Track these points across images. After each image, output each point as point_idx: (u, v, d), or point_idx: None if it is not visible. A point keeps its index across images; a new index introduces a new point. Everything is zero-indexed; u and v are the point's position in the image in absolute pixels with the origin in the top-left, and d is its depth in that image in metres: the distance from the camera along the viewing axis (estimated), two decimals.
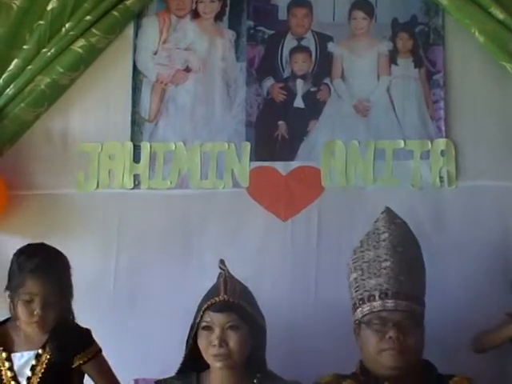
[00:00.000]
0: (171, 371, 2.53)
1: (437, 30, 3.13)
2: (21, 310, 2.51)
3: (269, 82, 3.19)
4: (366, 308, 2.39)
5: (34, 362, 2.53)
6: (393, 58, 3.15)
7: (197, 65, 3.23)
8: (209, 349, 2.42)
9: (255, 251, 3.05)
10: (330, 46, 3.19)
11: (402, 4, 3.17)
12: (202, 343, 2.45)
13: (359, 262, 2.48)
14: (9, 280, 2.55)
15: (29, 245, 2.63)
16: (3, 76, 3.17)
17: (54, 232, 3.12)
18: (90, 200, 3.18)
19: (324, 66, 3.18)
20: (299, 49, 3.21)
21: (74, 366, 2.54)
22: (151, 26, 3.27)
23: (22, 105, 3.16)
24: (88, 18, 3.15)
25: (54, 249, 2.61)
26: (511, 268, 2.78)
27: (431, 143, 3.06)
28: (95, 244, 3.13)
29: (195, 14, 3.27)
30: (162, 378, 2.53)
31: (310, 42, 3.20)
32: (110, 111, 3.23)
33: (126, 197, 3.17)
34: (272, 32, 3.22)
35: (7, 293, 2.55)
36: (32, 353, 2.55)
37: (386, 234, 2.46)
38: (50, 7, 3.16)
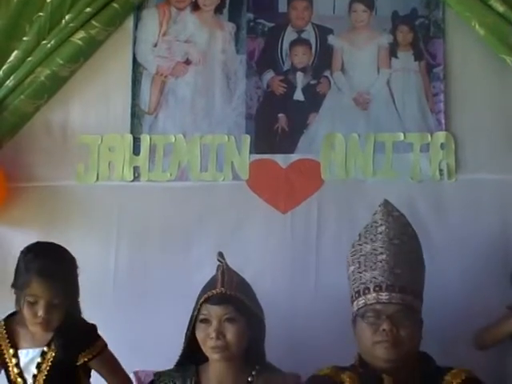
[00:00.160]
0: (170, 363, 2.53)
1: (437, 22, 3.13)
2: (25, 310, 2.51)
3: (269, 75, 3.19)
4: (361, 301, 2.39)
5: (39, 360, 2.54)
6: (393, 50, 3.15)
7: (197, 57, 3.23)
8: (207, 341, 2.43)
9: (255, 243, 3.05)
10: (330, 39, 3.19)
11: None
12: (199, 336, 2.45)
13: (357, 255, 2.48)
14: (15, 278, 2.55)
15: (37, 243, 2.62)
16: (3, 68, 3.17)
17: (53, 224, 3.14)
18: (89, 192, 3.19)
19: (324, 58, 3.18)
20: (299, 41, 3.20)
21: (79, 364, 2.55)
22: (151, 19, 3.27)
23: (22, 97, 3.16)
24: (88, 9, 3.15)
25: (62, 249, 2.61)
26: (511, 261, 2.78)
27: (431, 136, 3.06)
28: (95, 236, 3.14)
29: (195, 7, 3.27)
30: (161, 369, 2.54)
31: (310, 34, 3.20)
32: (110, 103, 3.24)
33: (125, 189, 3.17)
34: (272, 25, 3.21)
35: (13, 289, 2.55)
36: (38, 350, 2.56)
37: (383, 227, 2.46)
38: None
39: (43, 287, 2.47)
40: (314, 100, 3.15)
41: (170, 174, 3.15)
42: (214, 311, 2.43)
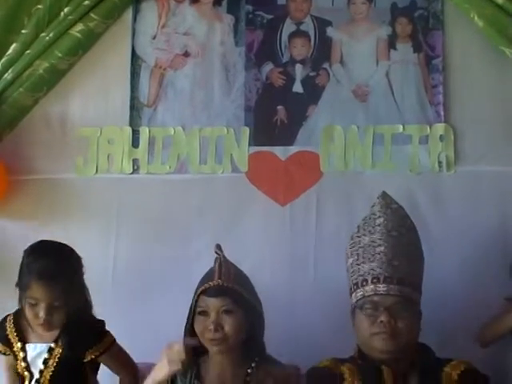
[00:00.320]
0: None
1: (436, 14, 3.12)
2: (27, 311, 2.53)
3: (268, 67, 3.18)
4: (359, 293, 2.40)
5: (46, 356, 2.56)
6: (392, 42, 3.15)
7: (196, 49, 3.23)
8: (205, 333, 2.43)
9: (254, 235, 3.06)
10: (329, 31, 3.18)
11: None
12: (198, 328, 2.45)
13: (356, 247, 2.48)
14: (18, 277, 2.56)
15: (40, 242, 2.63)
16: (1, 61, 3.16)
17: (53, 216, 3.15)
18: (89, 185, 3.19)
19: (323, 50, 3.17)
20: (298, 33, 3.20)
21: (86, 360, 2.57)
22: (150, 11, 3.27)
23: (21, 89, 3.16)
24: (86, 2, 3.14)
25: (66, 248, 2.61)
26: (510, 252, 2.78)
27: (430, 128, 3.06)
28: (94, 228, 3.14)
29: None
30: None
31: (309, 26, 3.20)
32: (109, 96, 3.24)
33: (124, 181, 3.18)
34: (271, 16, 3.21)
35: (17, 288, 2.56)
36: (45, 345, 2.58)
37: (382, 219, 2.47)
38: None
39: (43, 290, 2.48)
40: (313, 92, 3.15)
41: (169, 167, 3.16)
42: (211, 303, 2.43)
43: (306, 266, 3.03)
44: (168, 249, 3.10)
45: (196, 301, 2.47)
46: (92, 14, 3.16)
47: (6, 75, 3.15)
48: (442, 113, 3.06)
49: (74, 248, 2.63)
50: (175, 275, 3.01)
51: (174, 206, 3.14)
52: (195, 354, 2.51)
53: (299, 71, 3.17)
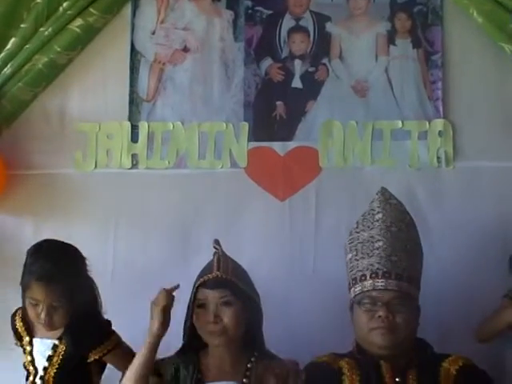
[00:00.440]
0: (170, 350, 2.54)
1: (435, 10, 3.12)
2: (29, 310, 2.56)
3: (267, 62, 3.18)
4: (357, 288, 2.41)
5: (50, 353, 2.58)
6: (391, 38, 3.15)
7: (195, 45, 3.23)
8: (204, 326, 2.45)
9: (253, 231, 3.06)
10: (328, 26, 3.18)
11: None
12: (197, 321, 2.47)
13: (354, 243, 2.49)
14: (21, 276, 2.58)
15: (44, 242, 2.63)
16: (1, 55, 3.16)
17: (52, 211, 3.16)
18: (88, 180, 3.19)
19: (322, 46, 3.17)
20: (297, 29, 3.20)
21: (89, 361, 2.57)
22: (149, 6, 3.26)
23: (20, 84, 3.16)
24: None
25: (68, 249, 2.62)
26: (508, 248, 2.78)
27: (429, 124, 3.06)
28: (93, 223, 3.14)
29: None
30: (160, 357, 2.54)
31: (308, 22, 3.20)
32: (108, 91, 3.23)
33: (123, 176, 3.18)
34: (270, 12, 3.21)
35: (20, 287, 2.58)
36: (50, 342, 2.59)
37: (380, 215, 2.48)
38: None
39: (42, 292, 2.50)
40: (312, 87, 3.15)
41: (169, 162, 3.16)
42: (210, 295, 2.45)
43: (305, 261, 3.03)
44: (167, 244, 3.10)
45: (195, 294, 2.48)
46: (91, 9, 3.16)
47: (5, 70, 3.14)
48: (441, 108, 3.06)
49: (72, 242, 2.64)
50: (174, 270, 3.00)
51: (173, 202, 3.14)
52: (195, 348, 2.52)
53: (298, 67, 3.17)
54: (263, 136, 3.14)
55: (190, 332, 2.52)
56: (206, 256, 2.63)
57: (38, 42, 3.14)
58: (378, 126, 3.08)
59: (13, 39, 3.16)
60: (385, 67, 3.13)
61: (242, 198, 3.11)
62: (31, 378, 2.59)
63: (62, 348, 2.57)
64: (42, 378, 2.57)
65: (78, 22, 3.15)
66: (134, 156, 3.18)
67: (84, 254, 2.64)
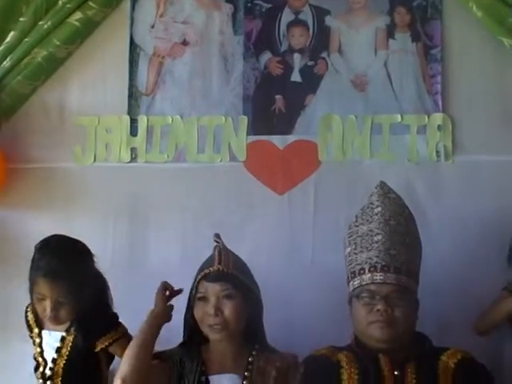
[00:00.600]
0: (169, 342, 2.55)
1: (434, 4, 3.12)
2: (36, 305, 2.59)
3: (266, 56, 3.18)
4: (356, 281, 2.41)
5: (59, 345, 2.61)
6: (390, 32, 3.14)
7: (194, 38, 3.22)
8: (205, 319, 2.45)
9: (252, 225, 3.06)
10: (328, 20, 3.17)
11: None
12: (197, 314, 2.47)
13: (353, 237, 2.50)
14: (29, 271, 2.59)
15: (51, 237, 2.64)
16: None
17: (51, 205, 3.16)
18: (87, 173, 3.19)
19: (321, 40, 3.17)
20: (296, 23, 3.19)
21: (97, 350, 2.59)
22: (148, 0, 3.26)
23: (19, 78, 3.16)
24: None
25: (75, 245, 2.63)
26: (507, 241, 2.78)
27: (428, 118, 3.06)
28: (93, 217, 3.14)
29: None
30: (160, 349, 2.55)
31: (307, 15, 3.19)
32: (107, 84, 3.23)
33: (123, 170, 3.18)
34: (269, 5, 3.20)
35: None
36: (58, 334, 2.62)
37: (379, 208, 2.48)
38: None
39: (48, 287, 2.52)
40: (312, 81, 3.15)
41: (168, 156, 3.16)
42: (211, 288, 2.45)
43: (304, 254, 3.03)
44: (166, 238, 3.11)
45: (196, 287, 2.49)
46: (90, 3, 3.16)
47: (4, 63, 3.15)
48: (440, 102, 3.06)
49: (72, 234, 2.66)
50: (172, 263, 3.01)
51: (172, 195, 3.14)
52: (196, 343, 2.52)
53: (297, 60, 3.17)
54: (262, 130, 3.14)
55: (191, 326, 2.53)
56: (205, 249, 2.64)
57: (37, 35, 3.14)
58: (377, 120, 3.08)
59: (12, 33, 3.16)
60: (384, 61, 3.13)
61: (241, 191, 3.11)
62: (41, 369, 2.63)
63: (69, 339, 2.60)
64: (51, 369, 2.60)
65: (77, 15, 3.15)
66: (133, 150, 3.18)
67: None
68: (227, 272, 2.47)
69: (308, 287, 2.96)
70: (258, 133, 3.14)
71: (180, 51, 3.22)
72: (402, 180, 2.96)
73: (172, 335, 2.57)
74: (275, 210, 3.08)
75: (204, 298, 2.46)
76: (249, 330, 2.51)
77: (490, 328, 2.71)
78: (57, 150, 3.21)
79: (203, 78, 3.19)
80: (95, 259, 2.66)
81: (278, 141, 3.12)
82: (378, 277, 2.37)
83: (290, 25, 3.19)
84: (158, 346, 2.52)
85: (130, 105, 3.19)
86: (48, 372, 2.60)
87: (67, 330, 2.60)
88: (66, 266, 2.53)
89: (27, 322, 2.71)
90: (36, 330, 2.67)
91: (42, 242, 2.62)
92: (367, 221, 2.48)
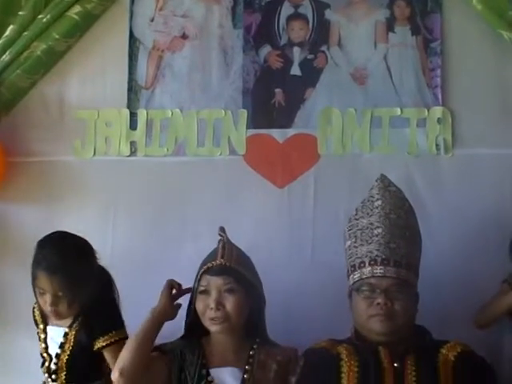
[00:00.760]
0: (169, 335, 2.55)
1: None
2: (38, 299, 2.60)
3: (266, 50, 3.18)
4: (356, 275, 2.42)
5: (62, 340, 2.62)
6: (390, 25, 3.14)
7: (193, 32, 3.22)
8: (206, 312, 2.46)
9: (252, 218, 3.06)
10: (327, 14, 3.17)
11: None
12: (199, 307, 2.48)
13: (354, 230, 2.50)
14: (31, 265, 2.60)
15: (53, 234, 2.65)
16: None
17: (51, 199, 3.16)
18: (87, 167, 3.19)
19: (321, 33, 3.16)
20: (296, 16, 3.19)
21: (95, 349, 2.59)
22: None
23: (18, 71, 3.15)
24: None
25: (76, 241, 2.63)
26: (507, 234, 2.79)
27: (428, 111, 3.05)
28: (92, 211, 3.14)
29: None
30: (160, 343, 2.55)
31: (307, 9, 3.19)
32: (107, 78, 3.23)
33: (122, 164, 3.18)
34: None
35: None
36: (61, 329, 2.64)
37: (380, 202, 2.48)
38: None
39: (47, 282, 2.53)
40: (311, 75, 3.14)
41: (167, 149, 3.15)
42: (213, 282, 2.45)
43: (304, 248, 3.03)
44: (165, 231, 3.11)
45: (198, 280, 2.49)
46: None
47: (3, 57, 3.14)
48: (440, 96, 3.06)
49: (71, 230, 2.65)
50: (172, 257, 3.01)
51: (172, 189, 3.14)
52: (197, 335, 2.53)
53: (297, 54, 3.17)
54: (262, 123, 3.13)
55: (192, 319, 2.53)
56: (204, 243, 2.64)
57: (37, 29, 3.14)
58: (376, 113, 3.08)
59: (11, 26, 3.15)
60: (384, 54, 3.13)
61: (241, 185, 3.11)
62: (46, 364, 2.65)
63: (72, 335, 2.61)
64: (56, 364, 2.62)
65: (77, 8, 3.15)
66: (132, 143, 3.18)
67: None
68: (230, 266, 2.47)
69: (308, 280, 2.96)
70: (257, 126, 3.13)
71: (179, 45, 3.21)
72: (402, 173, 2.96)
73: (175, 329, 2.57)
74: (275, 204, 3.08)
75: (206, 292, 2.46)
76: (250, 324, 2.52)
77: (491, 322, 2.71)
78: (56, 144, 3.21)
79: (203, 72, 3.19)
80: (97, 255, 2.66)
81: (278, 134, 3.12)
82: (378, 270, 2.37)
83: (290, 18, 3.19)
84: (161, 339, 2.53)
85: (129, 98, 3.19)
86: (53, 366, 2.62)
87: (70, 326, 2.62)
88: (64, 260, 2.53)
89: (34, 317, 2.73)
90: (41, 326, 2.68)
91: (44, 237, 2.63)
92: (367, 214, 2.49)
